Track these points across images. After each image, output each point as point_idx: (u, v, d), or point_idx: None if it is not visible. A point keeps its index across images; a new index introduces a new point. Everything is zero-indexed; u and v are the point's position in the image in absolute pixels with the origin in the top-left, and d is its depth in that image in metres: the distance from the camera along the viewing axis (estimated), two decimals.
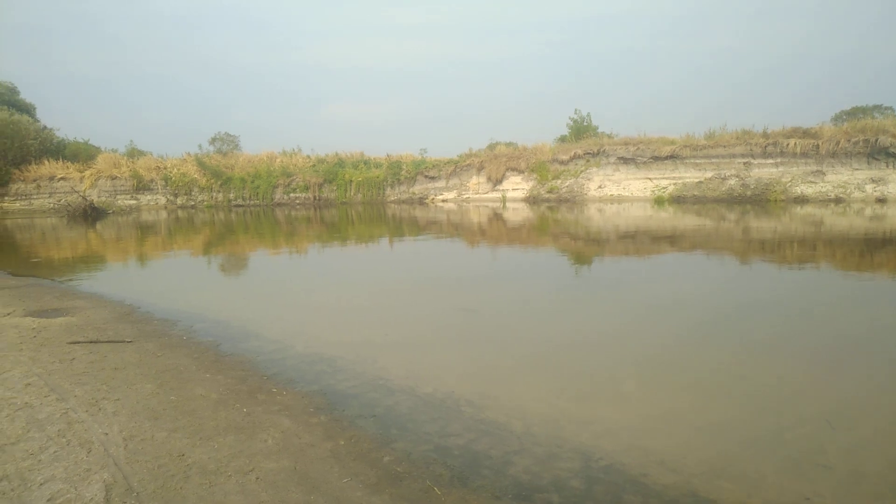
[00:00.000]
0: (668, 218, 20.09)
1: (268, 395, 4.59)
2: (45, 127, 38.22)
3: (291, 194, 34.65)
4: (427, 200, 33.82)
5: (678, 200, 27.42)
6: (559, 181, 31.10)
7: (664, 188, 28.85)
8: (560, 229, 17.84)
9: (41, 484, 3.08)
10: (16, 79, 43.66)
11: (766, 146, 27.26)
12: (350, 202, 33.77)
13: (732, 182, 27.19)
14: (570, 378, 4.99)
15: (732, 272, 10.02)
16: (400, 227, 20.21)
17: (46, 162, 34.96)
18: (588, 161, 30.97)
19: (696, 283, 9.07)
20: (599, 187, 30.22)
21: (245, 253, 14.77)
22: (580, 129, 34.95)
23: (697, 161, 28.62)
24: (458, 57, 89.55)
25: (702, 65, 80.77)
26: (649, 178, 29.57)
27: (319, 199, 34.40)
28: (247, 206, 34.02)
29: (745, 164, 27.63)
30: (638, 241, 14.26)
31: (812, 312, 7.18)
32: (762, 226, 17.16)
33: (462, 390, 4.66)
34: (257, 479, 3.23)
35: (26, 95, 42.27)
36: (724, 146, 28.23)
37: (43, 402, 4.24)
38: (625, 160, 30.06)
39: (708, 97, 75.07)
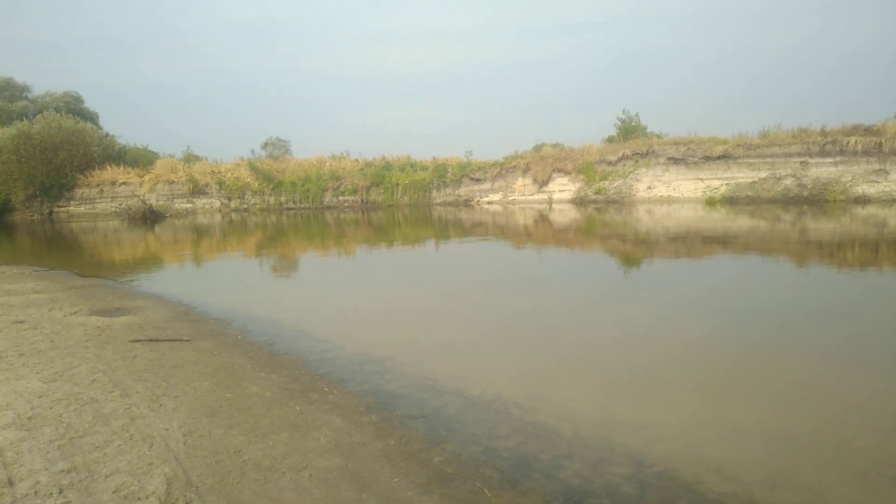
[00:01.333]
0: (721, 219, 19.54)
1: (320, 394, 4.68)
2: (107, 134, 39.91)
3: (340, 197, 35.16)
4: (472, 202, 33.80)
5: (731, 201, 26.63)
6: (607, 182, 30.61)
7: (716, 189, 28.06)
8: (608, 231, 17.58)
9: (107, 476, 3.21)
10: (79, 87, 45.70)
11: (824, 144, 26.18)
12: (396, 205, 34.05)
13: (788, 182, 26.25)
14: (620, 381, 4.92)
15: (789, 275, 9.69)
16: (446, 230, 20.28)
17: (109, 167, 36.46)
18: (637, 161, 30.38)
19: (751, 287, 8.80)
20: (648, 188, 29.62)
21: (296, 255, 15.08)
22: (628, 130, 34.31)
23: (751, 161, 27.71)
24: (504, 59, 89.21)
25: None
26: (700, 179, 28.81)
27: (367, 202, 34.80)
28: (297, 209, 34.70)
29: (801, 163, 26.61)
30: (689, 242, 13.93)
31: (879, 319, 6.87)
32: (820, 227, 16.51)
33: (510, 392, 4.64)
34: (310, 476, 3.29)
35: (89, 104, 44.39)
36: (780, 145, 27.23)
37: (107, 398, 4.42)
38: (675, 160, 29.36)
39: (758, 97, 72.59)
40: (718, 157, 28.32)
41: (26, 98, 43.63)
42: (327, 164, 36.87)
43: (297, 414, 4.22)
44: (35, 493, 3.02)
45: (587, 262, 12.24)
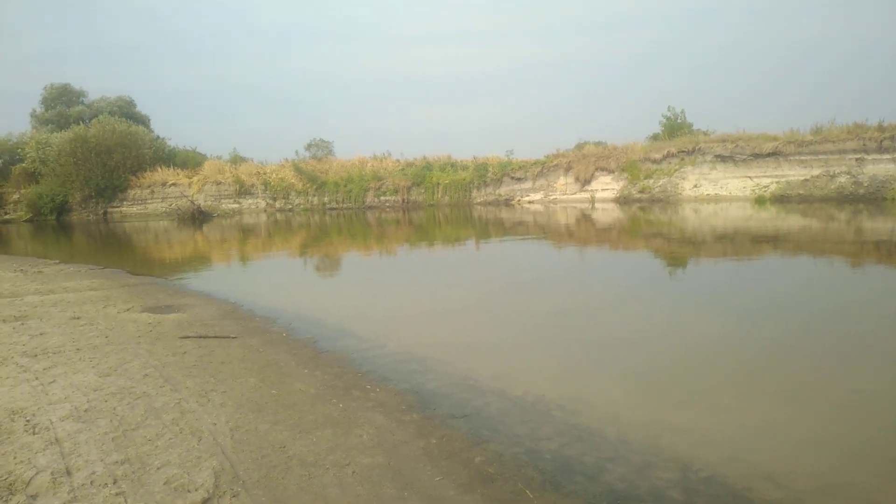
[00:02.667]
0: (770, 218, 18.96)
1: (362, 392, 4.72)
2: (158, 137, 41.23)
3: (381, 197, 35.47)
4: (513, 202, 33.65)
5: (781, 200, 25.80)
6: (651, 181, 30.04)
7: (765, 187, 27.23)
8: (652, 230, 17.25)
9: (158, 468, 3.31)
10: (132, 93, 47.25)
11: (881, 140, 25.08)
12: (437, 204, 34.15)
13: (843, 180, 25.28)
14: (665, 385, 4.82)
15: (843, 277, 9.34)
16: (486, 229, 20.24)
17: (159, 169, 37.66)
18: (682, 160, 29.72)
19: (802, 288, 8.52)
20: (695, 186, 28.94)
21: (338, 254, 15.28)
22: (674, 127, 33.62)
23: (803, 158, 26.77)
24: (546, 56, 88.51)
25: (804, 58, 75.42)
26: (749, 177, 28.00)
27: (408, 202, 35.01)
28: (340, 209, 35.15)
29: (857, 160, 25.57)
30: (737, 242, 13.55)
31: None
32: (878, 227, 15.86)
33: (552, 394, 4.60)
34: (353, 473, 3.33)
35: (142, 108, 45.89)
36: (833, 141, 26.23)
37: (159, 392, 4.56)
38: (722, 158, 28.61)
39: (809, 91, 70.01)
40: (768, 155, 27.48)
41: (82, 103, 45.37)
42: (369, 164, 37.27)
43: (340, 411, 4.27)
44: (91, 482, 3.13)
45: (631, 262, 12.04)
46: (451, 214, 28.07)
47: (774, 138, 27.81)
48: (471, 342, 6.20)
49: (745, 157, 28.09)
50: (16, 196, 38.15)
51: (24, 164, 38.57)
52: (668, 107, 35.63)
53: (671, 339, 6.13)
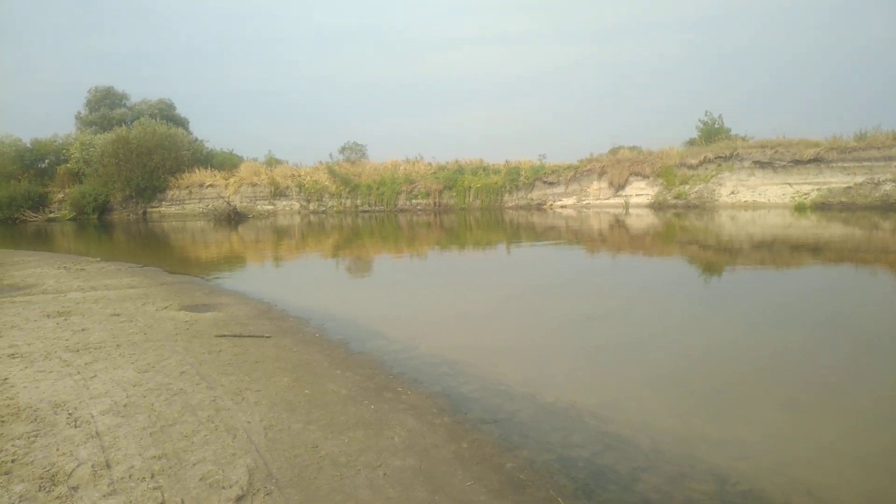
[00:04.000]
0: (811, 226, 18.47)
1: (393, 394, 4.74)
2: (196, 139, 42.15)
3: (413, 200, 35.59)
4: (545, 206, 33.43)
5: (822, 207, 25.09)
6: (687, 186, 29.53)
7: (806, 194, 26.52)
8: (688, 237, 16.96)
9: (194, 464, 3.37)
10: (172, 96, 48.49)
11: None
12: (468, 208, 34.14)
13: (888, 187, 24.49)
14: (701, 394, 4.73)
15: (886, 287, 9.04)
16: (517, 233, 20.15)
17: (197, 170, 38.46)
18: (720, 165, 29.15)
19: (845, 298, 8.27)
20: (732, 193, 28.34)
21: (370, 256, 15.38)
22: (711, 132, 33.02)
23: (846, 164, 26.01)
24: (580, 60, 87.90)
25: (857, 61, 73.28)
26: (788, 184, 27.32)
27: (439, 205, 35.06)
28: (372, 211, 35.39)
29: None
30: (775, 250, 13.23)
31: None
32: None
33: (584, 401, 4.55)
34: (385, 475, 3.34)
35: (181, 110, 46.96)
36: (878, 148, 25.42)
37: (195, 389, 4.64)
38: (761, 164, 27.97)
39: (856, 95, 67.96)
40: (809, 161, 26.78)
41: (125, 106, 46.62)
42: (401, 167, 37.46)
43: (372, 412, 4.29)
44: (129, 476, 3.20)
45: (665, 269, 11.86)
46: (482, 218, 28.02)
47: (816, 144, 27.09)
48: (502, 346, 6.18)
49: (784, 163, 27.43)
50: (60, 195, 39.36)
51: (68, 165, 39.85)
52: (706, 112, 35.11)
53: (707, 348, 6.00)
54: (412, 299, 9.08)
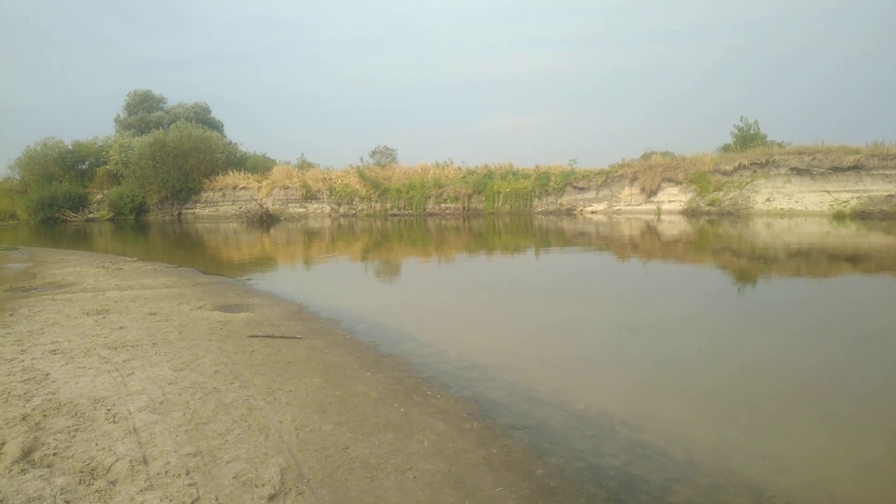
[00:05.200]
0: (850, 235, 17.98)
1: (423, 397, 4.75)
2: (230, 142, 42.93)
3: (442, 204, 35.69)
4: (575, 212, 33.20)
5: (862, 216, 24.40)
6: (721, 193, 29.02)
7: (845, 202, 25.84)
8: (722, 245, 16.66)
9: (227, 462, 3.42)
10: (207, 100, 49.66)
11: None
12: (497, 213, 34.08)
13: None
14: (737, 406, 4.63)
15: None
16: (547, 239, 20.04)
17: (231, 173, 39.21)
18: (755, 172, 28.59)
19: (887, 311, 8.03)
20: (767, 200, 27.76)
21: (399, 260, 15.46)
22: (746, 138, 32.46)
23: (888, 172, 25.27)
24: (611, 65, 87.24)
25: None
26: (827, 191, 26.66)
27: (468, 210, 35.10)
28: (401, 215, 35.58)
29: None
30: (813, 260, 12.91)
31: None
32: None
33: (616, 409, 4.50)
34: (414, 478, 3.35)
35: (216, 114, 47.89)
36: None
37: (228, 388, 4.72)
38: (798, 171, 27.35)
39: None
40: (849, 168, 26.11)
41: (162, 109, 47.78)
42: (431, 171, 37.63)
43: (402, 415, 4.31)
44: (165, 472, 3.27)
45: (699, 278, 11.67)
46: (511, 223, 27.94)
47: (856, 151, 26.40)
48: (531, 353, 6.15)
49: (823, 170, 26.79)
50: (99, 196, 40.48)
51: (107, 166, 40.97)
52: (741, 117, 34.58)
53: (742, 358, 5.89)
54: (441, 303, 9.10)
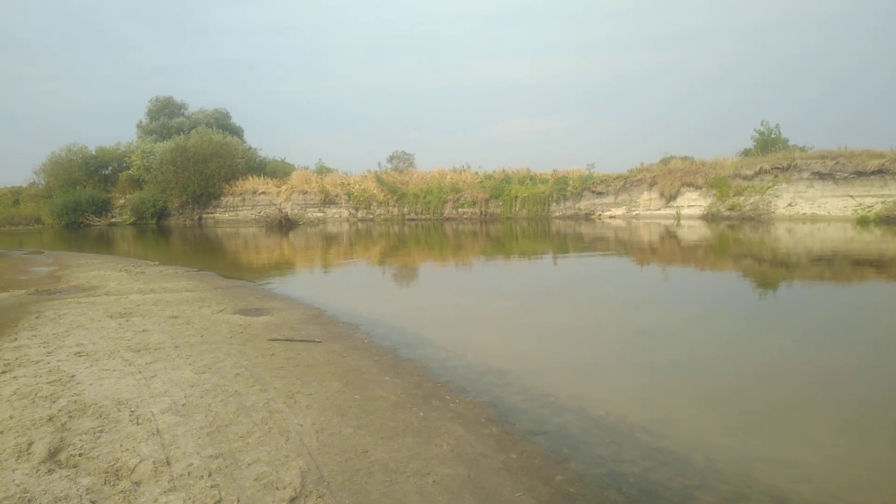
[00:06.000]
0: (875, 241, 17.68)
1: (441, 402, 4.76)
2: (250, 147, 43.38)
3: (459, 209, 35.71)
4: (593, 216, 33.03)
5: (887, 221, 23.96)
6: (742, 198, 28.70)
7: (869, 207, 25.40)
8: (742, 250, 16.47)
9: (249, 464, 3.46)
10: (228, 105, 50.38)
11: None
12: (515, 217, 34.02)
13: None
14: (758, 413, 4.58)
15: None
16: (565, 243, 19.96)
17: (250, 178, 39.61)
18: (776, 176, 28.23)
19: None
20: (789, 205, 27.40)
21: (417, 264, 15.49)
22: (767, 142, 32.05)
23: None
24: (629, 69, 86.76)
25: None
26: (850, 196, 26.24)
27: (485, 214, 35.08)
28: (418, 219, 35.65)
29: None
30: (836, 265, 12.72)
31: None
32: None
33: (636, 416, 4.47)
34: (434, 482, 3.35)
35: (236, 119, 48.43)
36: None
37: (249, 391, 4.77)
38: (820, 175, 26.96)
39: None
40: (873, 172, 25.69)
41: (183, 115, 48.40)
42: (448, 176, 37.67)
43: (420, 420, 4.32)
44: (188, 473, 3.31)
45: (719, 283, 11.55)
46: (528, 228, 27.88)
47: (881, 155, 25.97)
48: (550, 358, 6.13)
49: (846, 174, 26.39)
50: (122, 201, 41.08)
51: (130, 172, 41.59)
52: (762, 121, 34.15)
53: (765, 366, 5.82)
54: (459, 308, 9.10)
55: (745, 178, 29.23)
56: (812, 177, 27.24)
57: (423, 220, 35.60)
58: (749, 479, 3.49)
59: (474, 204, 35.42)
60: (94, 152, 43.77)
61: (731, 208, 28.64)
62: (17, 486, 3.16)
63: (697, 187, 30.50)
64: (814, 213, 26.72)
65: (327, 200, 38.04)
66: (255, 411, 4.32)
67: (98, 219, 39.72)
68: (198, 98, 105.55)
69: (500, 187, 35.53)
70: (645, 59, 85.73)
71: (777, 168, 28.31)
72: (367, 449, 3.75)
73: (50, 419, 4.09)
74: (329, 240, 24.26)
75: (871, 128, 61.99)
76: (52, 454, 3.54)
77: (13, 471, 3.33)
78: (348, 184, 38.58)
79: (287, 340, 6.57)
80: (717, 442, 4.01)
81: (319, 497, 3.12)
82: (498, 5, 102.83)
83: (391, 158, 41.11)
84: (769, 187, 28.20)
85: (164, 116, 47.56)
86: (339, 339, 6.83)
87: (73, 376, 5.09)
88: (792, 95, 72.95)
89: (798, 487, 3.38)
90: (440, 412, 4.52)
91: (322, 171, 41.59)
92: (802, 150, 29.92)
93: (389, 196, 36.98)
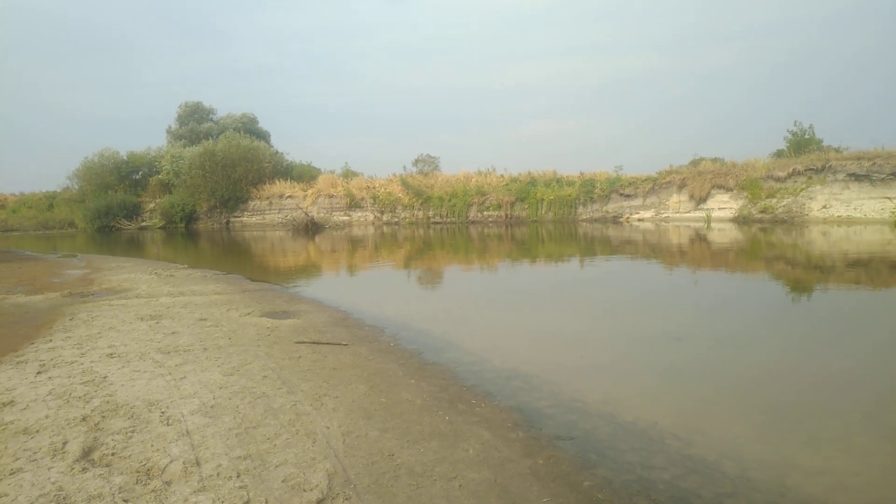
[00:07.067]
0: None
1: (467, 406, 4.74)
2: (277, 151, 43.89)
3: (485, 212, 35.67)
4: (621, 219, 32.74)
5: None
6: (774, 200, 28.17)
7: None
8: (775, 253, 16.16)
9: (276, 466, 3.48)
10: (255, 110, 51.16)
11: None
12: (541, 220, 33.87)
13: None
14: (792, 420, 4.48)
15: None
16: (592, 247, 19.79)
17: (277, 182, 40.08)
18: (810, 178, 27.65)
19: None
20: (824, 207, 26.81)
21: (442, 268, 15.50)
22: (800, 143, 31.43)
23: None
24: (658, 70, 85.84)
25: None
26: (888, 198, 25.58)
27: (511, 218, 34.99)
28: (444, 223, 35.69)
29: None
30: (873, 269, 12.40)
31: None
32: None
33: (666, 422, 4.40)
34: (460, 486, 3.34)
35: (263, 124, 49.05)
36: None
37: (276, 393, 4.80)
38: (857, 177, 26.34)
39: None
40: None
41: (211, 120, 49.18)
42: (473, 179, 37.68)
43: (446, 423, 4.31)
44: (217, 474, 3.34)
45: (752, 287, 11.33)
46: (554, 231, 27.72)
47: None
48: (577, 363, 6.07)
49: (883, 175, 25.75)
50: (152, 205, 41.87)
51: (160, 176, 42.41)
52: (795, 122, 33.53)
53: (801, 372, 5.68)
54: (485, 312, 9.08)
55: (778, 179, 28.71)
56: (848, 178, 26.64)
57: (447, 223, 35.63)
58: (783, 487, 3.41)
59: (499, 207, 35.35)
60: (125, 157, 44.73)
61: (763, 211, 28.14)
62: (53, 483, 3.22)
63: (728, 189, 30.05)
64: (849, 215, 26.12)
65: (353, 204, 38.30)
66: (283, 413, 4.35)
67: (129, 223, 40.50)
68: (225, 104, 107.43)
69: (525, 190, 35.41)
70: (673, 58, 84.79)
71: (811, 169, 27.75)
72: (394, 452, 3.75)
73: (83, 419, 4.17)
74: (355, 243, 24.40)
75: None
76: (86, 453, 3.61)
77: (49, 469, 3.40)
78: (373, 187, 38.79)
79: (313, 343, 6.61)
80: (750, 449, 3.93)
81: (346, 499, 3.12)
82: (527, 4, 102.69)
83: (416, 162, 41.32)
84: (803, 189, 27.64)
85: (193, 121, 48.36)
86: (365, 342, 6.86)
87: (105, 377, 5.18)
88: (827, 96, 71.44)
89: (835, 497, 3.29)
90: (466, 416, 4.50)
91: (348, 174, 41.92)
92: (837, 150, 29.30)
93: (414, 199, 37.09)
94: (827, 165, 27.23)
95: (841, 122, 66.74)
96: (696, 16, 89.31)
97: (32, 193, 50.13)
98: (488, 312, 9.01)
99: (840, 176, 26.82)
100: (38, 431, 3.96)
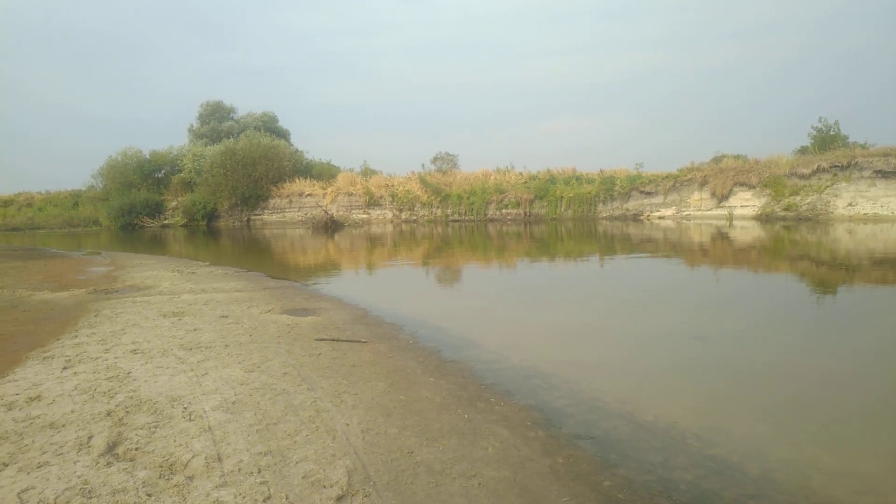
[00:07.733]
0: None
1: (486, 404, 4.73)
2: (297, 150, 44.22)
3: (503, 210, 35.58)
4: (642, 217, 32.44)
5: None
6: (798, 197, 27.71)
7: None
8: (799, 251, 15.90)
9: (297, 462, 3.51)
10: (275, 109, 51.57)
11: None
12: (560, 218, 33.69)
13: None
14: (818, 422, 4.40)
15: None
16: (612, 245, 19.64)
17: (297, 180, 40.38)
18: (835, 175, 27.14)
19: None
20: (849, 205, 26.32)
21: (461, 266, 15.49)
22: (825, 140, 30.82)
23: None
24: (679, 66, 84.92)
25: None
26: None
27: (530, 215, 34.86)
28: (462, 220, 35.67)
29: None
30: None
31: None
32: None
33: (687, 422, 4.35)
34: (479, 484, 3.34)
35: (283, 123, 49.42)
36: None
37: (296, 390, 4.84)
38: (884, 174, 25.80)
39: None
40: None
41: (232, 119, 49.68)
42: (492, 177, 37.61)
43: (466, 421, 4.31)
44: (238, 470, 3.38)
45: (776, 286, 11.17)
46: (574, 229, 27.56)
47: None
48: (597, 362, 6.03)
49: None
50: (174, 203, 42.43)
51: (181, 175, 42.94)
52: (819, 118, 32.80)
53: (825, 373, 5.59)
54: (504, 309, 9.06)
55: (802, 176, 28.23)
56: (874, 175, 26.12)
57: (466, 221, 35.61)
58: (807, 489, 3.36)
59: (518, 205, 35.24)
60: (147, 156, 45.37)
61: (787, 208, 27.71)
62: (79, 477, 3.28)
63: (751, 187, 29.63)
64: (876, 213, 25.62)
65: (372, 202, 38.45)
66: (303, 410, 4.38)
67: (151, 221, 41.08)
68: (245, 104, 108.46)
69: (544, 188, 35.25)
70: (694, 54, 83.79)
71: (836, 166, 27.24)
72: (413, 450, 3.76)
73: (108, 414, 4.24)
74: (373, 241, 24.50)
75: None
76: (111, 448, 3.66)
77: (75, 463, 3.46)
78: (392, 185, 38.91)
79: (333, 340, 6.65)
80: (773, 450, 3.87)
81: (366, 496, 3.13)
82: (542, 5, 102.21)
83: (435, 160, 41.33)
84: (828, 186, 27.16)
85: (214, 120, 48.91)
86: (384, 339, 6.88)
87: (129, 373, 5.26)
88: (852, 91, 70.20)
89: (859, 500, 3.24)
90: (485, 414, 4.49)
91: (367, 172, 42.09)
92: (864, 147, 28.71)
93: (433, 197, 37.12)
94: (853, 162, 26.71)
95: (866, 118, 65.45)
96: (720, 12, 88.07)
97: (58, 192, 51.09)
98: (506, 310, 8.99)
99: (866, 173, 26.30)
100: (64, 426, 4.03)
